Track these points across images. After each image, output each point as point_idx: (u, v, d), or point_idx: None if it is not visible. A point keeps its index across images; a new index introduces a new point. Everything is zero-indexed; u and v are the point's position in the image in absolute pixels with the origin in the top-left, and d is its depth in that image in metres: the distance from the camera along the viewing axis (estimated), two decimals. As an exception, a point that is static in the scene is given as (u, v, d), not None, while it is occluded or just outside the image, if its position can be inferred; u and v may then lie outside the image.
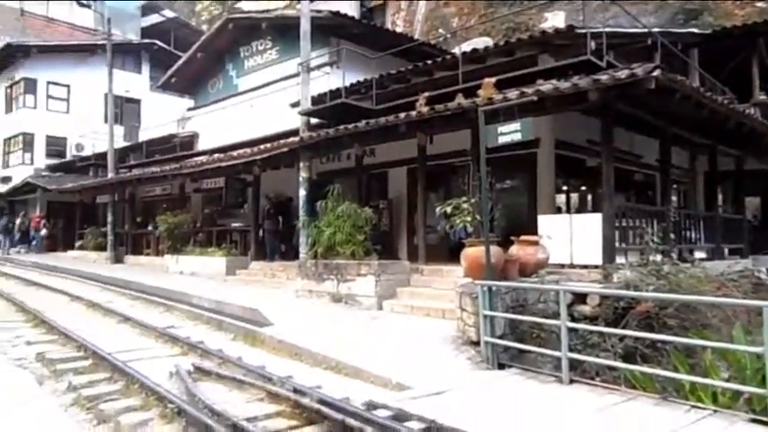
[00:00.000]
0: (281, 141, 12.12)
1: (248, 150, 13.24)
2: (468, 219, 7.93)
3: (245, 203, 16.85)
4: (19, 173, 28.11)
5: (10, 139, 29.70)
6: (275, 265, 14.09)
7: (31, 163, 28.53)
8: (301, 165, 12.07)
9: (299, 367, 7.22)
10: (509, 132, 6.69)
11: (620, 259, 8.38)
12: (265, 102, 17.54)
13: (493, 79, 8.52)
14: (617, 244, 8.48)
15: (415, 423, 4.75)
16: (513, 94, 7.93)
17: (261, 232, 14.95)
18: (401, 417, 4.88)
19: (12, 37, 27.99)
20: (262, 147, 13.35)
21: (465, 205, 8.05)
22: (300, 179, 12.06)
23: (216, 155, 16.17)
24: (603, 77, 7.57)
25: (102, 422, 5.36)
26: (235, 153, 13.49)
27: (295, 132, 13.29)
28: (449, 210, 8.20)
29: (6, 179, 28.85)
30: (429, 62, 12.20)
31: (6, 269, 19.87)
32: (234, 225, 16.32)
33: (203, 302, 11.37)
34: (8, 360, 7.52)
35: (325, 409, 4.98)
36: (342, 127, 10.21)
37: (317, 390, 5.76)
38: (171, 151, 21.46)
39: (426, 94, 9.54)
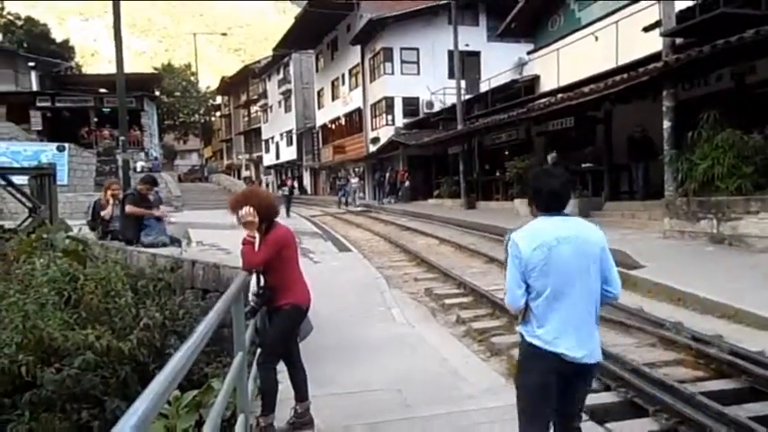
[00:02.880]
0: (640, 70, 11.01)
1: (600, 85, 12.45)
2: None
3: (595, 142, 16.11)
4: (384, 133, 32.35)
5: (375, 104, 34.30)
6: (635, 204, 13.17)
7: (393, 123, 32.49)
8: (665, 93, 10.80)
9: (683, 313, 6.58)
10: None
11: None
12: (612, 31, 16.25)
13: None
14: None
15: None
16: None
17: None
18: None
19: (371, 13, 31.87)
20: (612, 80, 12.39)
21: None
22: (664, 109, 10.81)
23: (560, 95, 15.74)
24: None
25: (495, 354, 5.74)
26: (586, 89, 12.82)
27: (652, 59, 11.97)
28: None
29: (375, 140, 33.52)
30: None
31: (383, 216, 23.20)
32: (584, 166, 15.76)
33: (562, 244, 11.30)
34: (404, 294, 8.68)
35: (741, 362, 4.37)
36: (721, 42, 8.68)
37: (721, 339, 5.13)
38: (512, 98, 21.73)
39: None
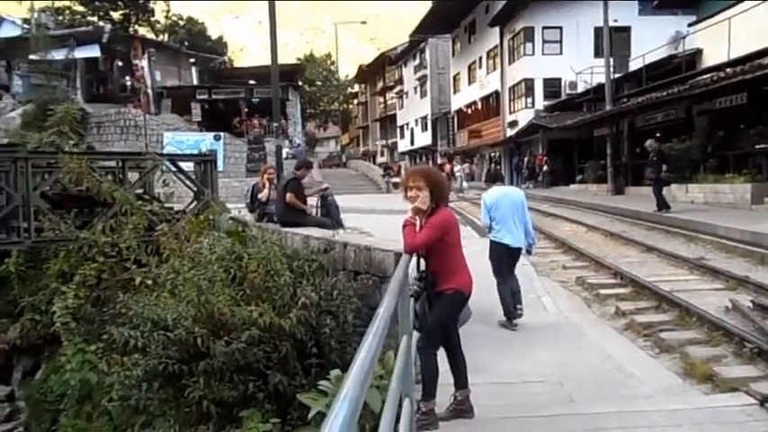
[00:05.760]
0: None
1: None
2: None
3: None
4: (523, 116, 31.30)
5: (514, 86, 33.27)
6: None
7: (532, 106, 31.32)
8: None
9: None
10: None
11: None
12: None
13: None
14: None
15: None
16: None
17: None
18: None
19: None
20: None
21: None
22: None
23: (728, 69, 14.14)
24: None
25: (665, 351, 5.24)
26: (766, 60, 11.37)
27: None
28: None
29: (513, 123, 32.55)
30: None
31: (522, 202, 22.47)
32: (758, 147, 14.06)
33: (732, 234, 10.17)
34: (554, 282, 8.26)
35: None
36: None
37: None
38: (668, 75, 19.90)
39: None
